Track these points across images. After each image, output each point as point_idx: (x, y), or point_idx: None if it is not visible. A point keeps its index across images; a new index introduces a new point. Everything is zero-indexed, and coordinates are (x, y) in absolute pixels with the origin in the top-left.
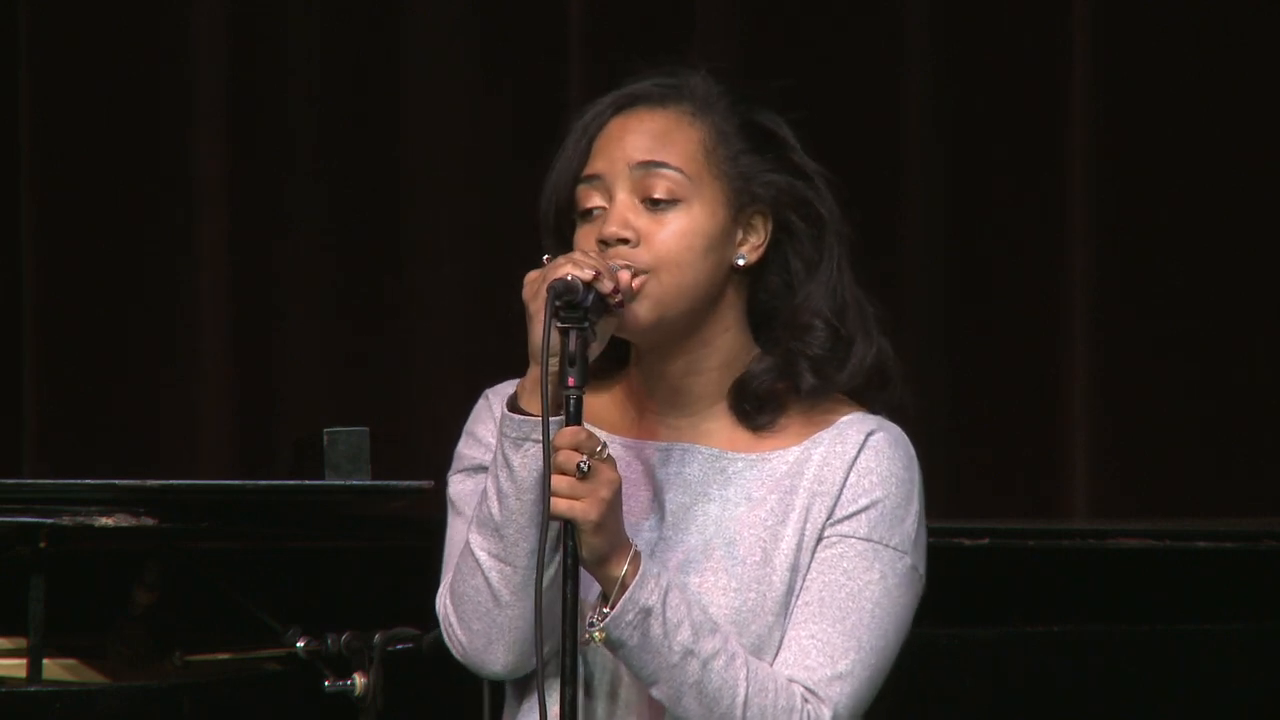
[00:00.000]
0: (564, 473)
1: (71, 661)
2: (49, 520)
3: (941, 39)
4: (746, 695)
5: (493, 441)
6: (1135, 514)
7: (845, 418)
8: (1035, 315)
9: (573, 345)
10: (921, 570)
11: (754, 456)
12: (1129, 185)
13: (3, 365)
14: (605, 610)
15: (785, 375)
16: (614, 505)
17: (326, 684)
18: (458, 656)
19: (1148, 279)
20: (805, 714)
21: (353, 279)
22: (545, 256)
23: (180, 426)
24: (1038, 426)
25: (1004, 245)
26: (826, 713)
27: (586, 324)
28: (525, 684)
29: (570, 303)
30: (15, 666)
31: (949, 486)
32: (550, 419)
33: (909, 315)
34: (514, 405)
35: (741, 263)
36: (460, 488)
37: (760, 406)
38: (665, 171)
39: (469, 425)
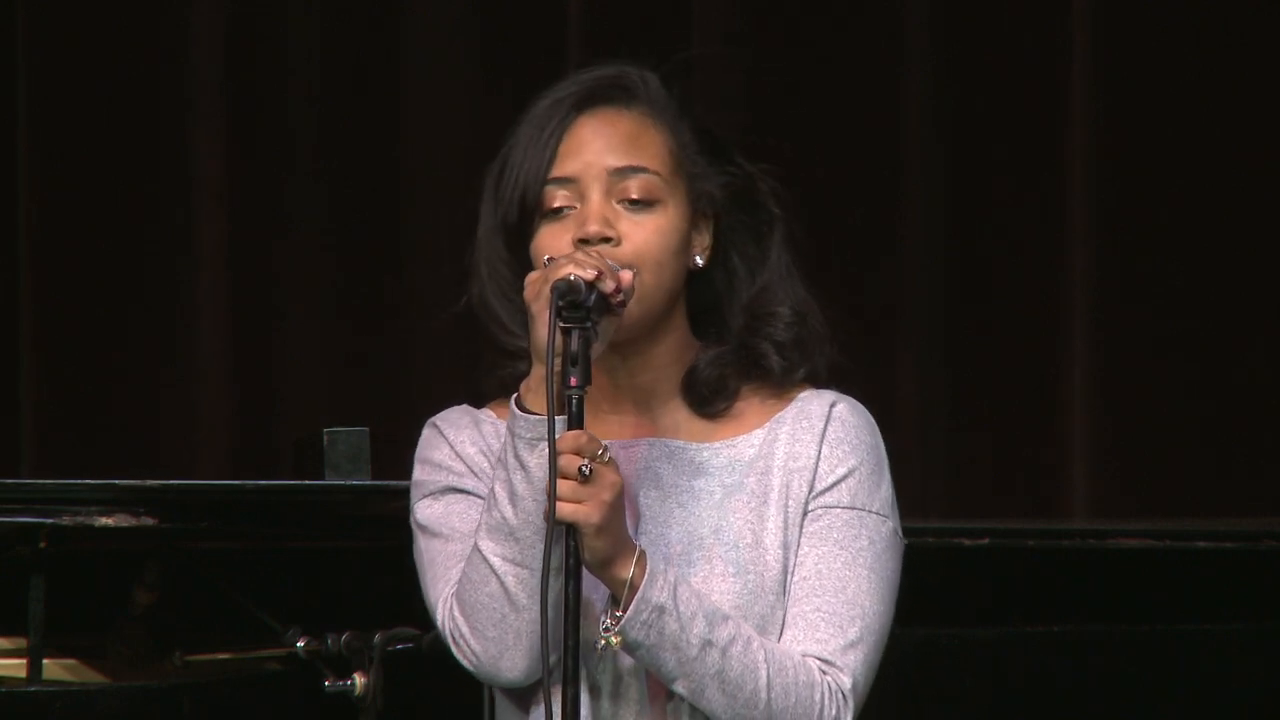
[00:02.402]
0: (566, 476)
1: (71, 661)
2: (49, 520)
3: (941, 39)
4: (769, 677)
5: (452, 464)
6: (1135, 514)
7: (801, 395)
8: (1035, 315)
9: (575, 345)
10: (900, 533)
11: (719, 444)
12: (1129, 185)
13: (2, 365)
14: (618, 614)
15: (737, 363)
16: (616, 508)
17: (326, 684)
18: (470, 668)
19: (1148, 279)
20: (826, 685)
21: (353, 279)
22: (546, 257)
23: (180, 426)
24: (1038, 426)
25: (1004, 245)
26: (847, 680)
27: (589, 324)
28: (534, 690)
29: (573, 302)
30: (15, 666)
31: (949, 487)
32: (556, 417)
33: (909, 315)
34: (521, 406)
35: (700, 263)
36: (430, 512)
37: (714, 393)
38: (643, 175)
39: (423, 454)
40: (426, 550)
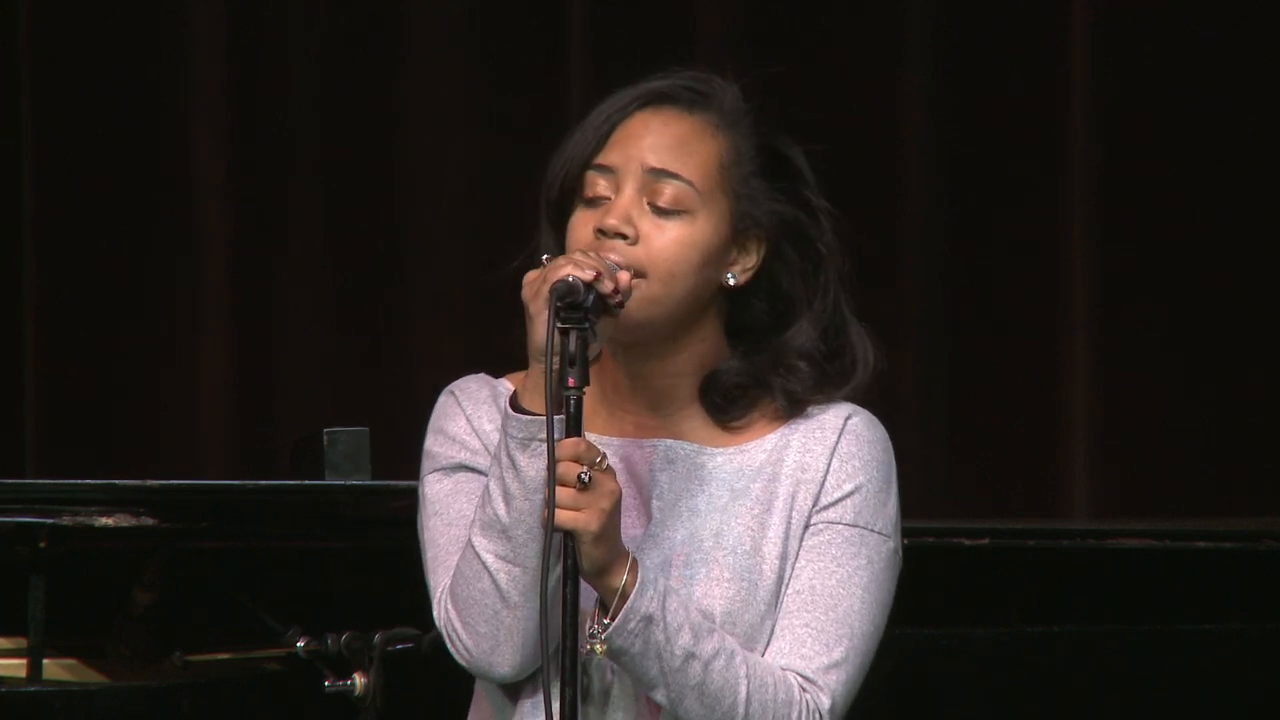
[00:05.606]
0: (564, 484)
1: (71, 661)
2: (49, 520)
3: (942, 40)
4: (748, 692)
5: (467, 439)
6: (1135, 514)
7: (817, 404)
8: (1035, 315)
9: (573, 345)
10: (900, 552)
11: (732, 450)
12: (1129, 185)
13: (3, 365)
14: (606, 621)
15: (759, 384)
16: (613, 516)
17: (326, 684)
18: (463, 661)
19: (1148, 279)
20: (804, 704)
21: (353, 280)
22: (544, 256)
23: (180, 426)
24: (1038, 426)
25: (1004, 245)
26: (826, 700)
27: (587, 324)
28: (520, 686)
29: (571, 303)
30: (15, 666)
31: (949, 486)
32: (553, 417)
33: (909, 315)
34: (516, 405)
35: (731, 282)
36: (438, 488)
37: (729, 401)
38: (676, 183)
39: (437, 423)
40: (430, 528)
